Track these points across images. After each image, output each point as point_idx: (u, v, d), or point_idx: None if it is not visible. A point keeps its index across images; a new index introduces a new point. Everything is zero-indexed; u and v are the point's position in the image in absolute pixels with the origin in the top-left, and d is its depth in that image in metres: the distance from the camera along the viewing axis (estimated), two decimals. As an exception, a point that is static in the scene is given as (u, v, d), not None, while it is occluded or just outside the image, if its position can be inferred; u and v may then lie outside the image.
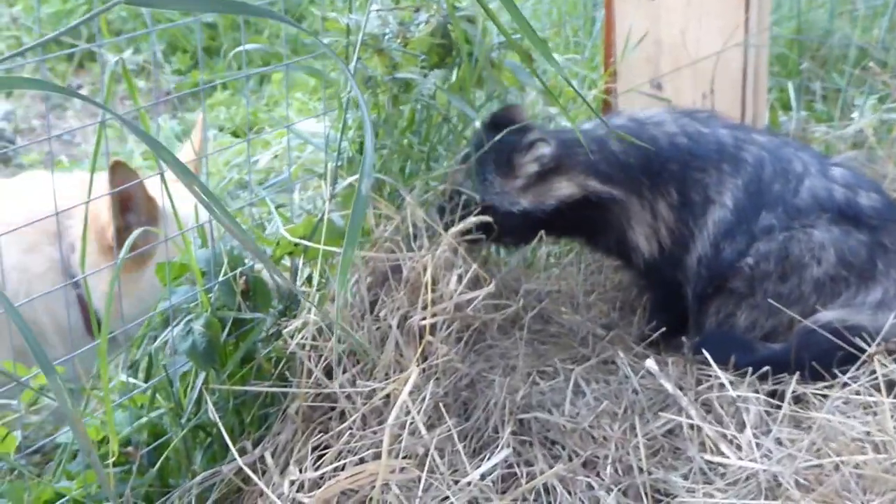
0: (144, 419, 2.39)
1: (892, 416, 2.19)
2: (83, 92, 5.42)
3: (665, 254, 2.78)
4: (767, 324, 2.67)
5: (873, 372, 2.35)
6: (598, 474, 2.32)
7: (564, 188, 2.73)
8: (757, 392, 2.46)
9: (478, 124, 2.81)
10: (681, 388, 2.51)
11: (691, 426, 2.36)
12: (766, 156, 2.75)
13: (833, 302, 2.61)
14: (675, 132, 2.77)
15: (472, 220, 2.48)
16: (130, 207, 2.51)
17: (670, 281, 2.80)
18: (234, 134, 4.80)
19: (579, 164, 2.74)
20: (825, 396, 2.41)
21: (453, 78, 2.81)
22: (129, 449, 2.31)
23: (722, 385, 2.44)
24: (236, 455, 2.30)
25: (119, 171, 2.43)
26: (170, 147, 4.33)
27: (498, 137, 2.68)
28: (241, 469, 2.30)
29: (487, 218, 2.58)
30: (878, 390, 2.30)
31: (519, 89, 3.01)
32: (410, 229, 2.51)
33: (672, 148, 2.76)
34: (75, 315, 2.65)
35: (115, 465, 2.26)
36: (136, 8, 5.74)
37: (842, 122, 3.93)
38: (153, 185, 2.51)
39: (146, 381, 2.45)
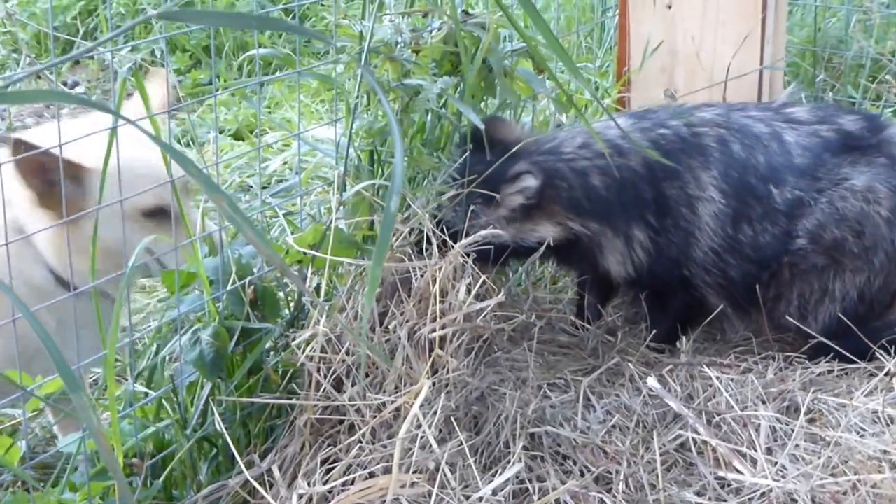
0: (150, 430, 2.36)
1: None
2: (80, 89, 5.37)
3: (646, 268, 2.74)
4: (875, 283, 2.62)
5: (891, 389, 2.31)
6: (610, 490, 2.28)
7: (547, 229, 2.69)
8: (765, 403, 2.42)
9: (458, 140, 2.75)
10: (690, 398, 2.48)
11: (703, 441, 2.33)
12: (723, 133, 2.71)
13: None
14: (644, 146, 2.71)
15: (483, 233, 2.44)
16: (46, 172, 2.47)
17: (662, 285, 2.77)
18: (235, 136, 4.76)
19: (561, 201, 2.69)
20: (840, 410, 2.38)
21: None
22: (135, 461, 2.28)
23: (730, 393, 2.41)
24: (243, 468, 2.27)
25: (20, 148, 2.41)
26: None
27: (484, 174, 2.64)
28: (247, 482, 2.26)
29: (499, 231, 2.55)
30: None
31: (532, 98, 2.98)
32: (424, 239, 2.48)
33: (644, 168, 2.71)
34: (42, 271, 2.60)
35: (120, 476, 2.23)
36: (134, 5, 5.72)
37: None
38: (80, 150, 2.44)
39: (152, 390, 2.43)
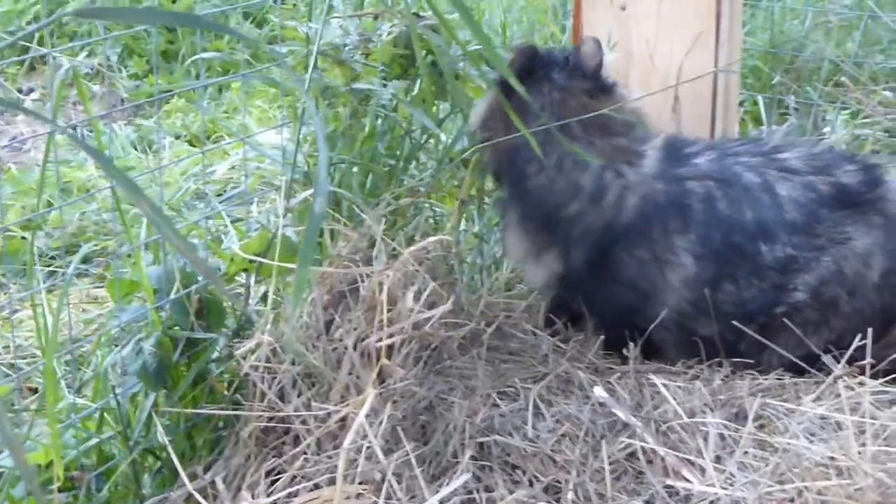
0: (92, 442, 2.32)
1: (856, 441, 2.14)
2: (36, 95, 5.31)
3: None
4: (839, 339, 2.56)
5: (839, 395, 2.30)
6: (559, 500, 2.26)
7: None
8: (713, 409, 2.40)
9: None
10: (640, 405, 2.46)
11: (653, 449, 2.31)
12: (711, 185, 2.64)
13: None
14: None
15: (431, 239, 2.42)
16: None
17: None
18: (191, 143, 4.72)
19: None
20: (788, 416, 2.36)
21: (417, 89, 2.76)
22: (75, 474, 2.25)
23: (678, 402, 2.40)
24: (186, 480, 2.23)
25: None
26: (125, 155, 4.27)
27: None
28: (190, 495, 2.23)
29: (447, 237, 2.53)
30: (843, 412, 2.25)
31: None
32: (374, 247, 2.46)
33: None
34: None
35: (60, 490, 2.20)
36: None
37: (813, 138, 3.89)
38: None
39: (95, 401, 2.40)
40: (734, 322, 2.60)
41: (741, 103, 4.19)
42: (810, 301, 2.59)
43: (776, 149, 2.71)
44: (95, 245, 3.55)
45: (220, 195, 3.73)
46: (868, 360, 2.31)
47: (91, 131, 4.55)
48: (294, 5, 3.77)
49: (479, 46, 2.89)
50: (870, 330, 2.33)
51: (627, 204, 2.64)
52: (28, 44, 5.37)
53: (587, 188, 2.65)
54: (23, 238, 3.73)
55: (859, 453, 2.10)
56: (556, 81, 2.72)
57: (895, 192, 2.68)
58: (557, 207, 2.66)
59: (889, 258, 2.61)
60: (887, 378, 2.45)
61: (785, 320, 2.58)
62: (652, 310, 2.65)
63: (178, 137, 4.67)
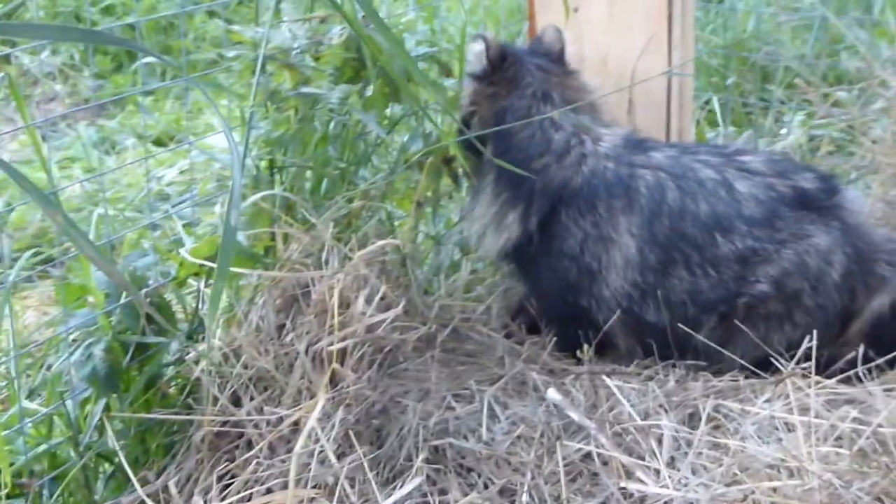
0: (42, 448, 2.30)
1: (805, 441, 2.14)
2: (-1, 96, 5.27)
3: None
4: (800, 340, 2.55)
5: (787, 395, 2.30)
6: (514, 503, 2.26)
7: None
8: (667, 411, 2.41)
9: None
10: (595, 407, 2.47)
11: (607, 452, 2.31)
12: (662, 176, 2.71)
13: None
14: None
15: (381, 243, 2.41)
16: None
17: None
18: (156, 143, 4.69)
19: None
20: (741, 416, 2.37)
21: (369, 92, 2.74)
22: (24, 480, 2.22)
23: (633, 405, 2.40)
24: (137, 486, 2.22)
25: None
26: (87, 154, 4.23)
27: None
28: (142, 501, 2.22)
29: (397, 241, 2.52)
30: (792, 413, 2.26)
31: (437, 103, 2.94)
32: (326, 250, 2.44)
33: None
34: None
35: (8, 496, 2.18)
36: (56, 8, 5.63)
37: (770, 139, 3.90)
38: None
39: (44, 406, 2.37)
40: (691, 312, 2.66)
41: (704, 104, 4.21)
42: (774, 293, 2.63)
43: (738, 151, 2.80)
44: (60, 246, 3.52)
45: (180, 195, 3.70)
46: (814, 360, 2.32)
47: (55, 131, 4.53)
48: (251, 2, 3.76)
49: (433, 49, 2.90)
50: (814, 332, 2.36)
51: (582, 170, 2.78)
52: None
53: (557, 145, 2.81)
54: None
55: (808, 454, 2.11)
56: (533, 62, 2.91)
57: (851, 202, 2.75)
58: (530, 159, 2.79)
59: (848, 260, 2.66)
60: (842, 376, 2.47)
61: (749, 311, 2.63)
62: (596, 289, 2.73)
63: (140, 138, 4.64)
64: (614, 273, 2.70)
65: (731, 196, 2.66)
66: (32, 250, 3.34)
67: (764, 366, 2.54)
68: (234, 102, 4.48)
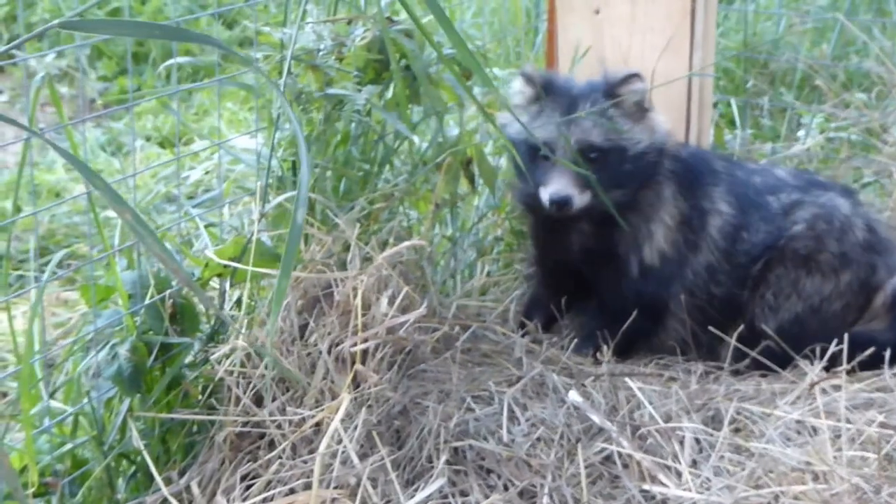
0: (66, 447, 2.31)
1: (832, 445, 2.14)
2: (4, 98, 5.27)
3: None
4: (834, 304, 2.84)
5: (814, 398, 2.30)
6: (534, 504, 2.26)
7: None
8: (689, 414, 2.41)
9: None
10: (615, 409, 2.47)
11: (628, 454, 2.31)
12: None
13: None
14: None
15: (406, 244, 2.41)
16: None
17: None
18: (162, 145, 4.69)
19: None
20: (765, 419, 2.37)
21: (391, 94, 2.74)
22: (49, 479, 2.23)
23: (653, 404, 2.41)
24: (161, 484, 2.23)
25: None
26: (95, 157, 4.23)
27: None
28: (166, 499, 2.22)
29: (422, 242, 2.52)
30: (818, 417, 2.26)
31: (458, 105, 2.94)
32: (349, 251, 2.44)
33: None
34: None
35: (35, 495, 2.19)
36: (59, 11, 5.63)
37: (787, 142, 3.90)
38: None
39: (70, 406, 2.38)
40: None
41: (715, 105, 4.20)
42: (807, 231, 2.84)
43: (770, 164, 3.17)
44: (67, 248, 3.52)
45: (191, 198, 3.70)
46: (845, 366, 2.33)
47: (61, 134, 4.52)
48: (265, 7, 3.76)
49: (453, 50, 2.89)
50: (846, 335, 2.39)
51: None
52: (-5, 44, 5.34)
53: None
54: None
55: (835, 458, 2.11)
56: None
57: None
58: None
59: (868, 233, 2.90)
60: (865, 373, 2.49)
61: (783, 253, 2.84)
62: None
63: (148, 140, 4.64)
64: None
65: (775, 175, 2.99)
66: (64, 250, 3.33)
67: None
68: (238, 105, 4.48)
